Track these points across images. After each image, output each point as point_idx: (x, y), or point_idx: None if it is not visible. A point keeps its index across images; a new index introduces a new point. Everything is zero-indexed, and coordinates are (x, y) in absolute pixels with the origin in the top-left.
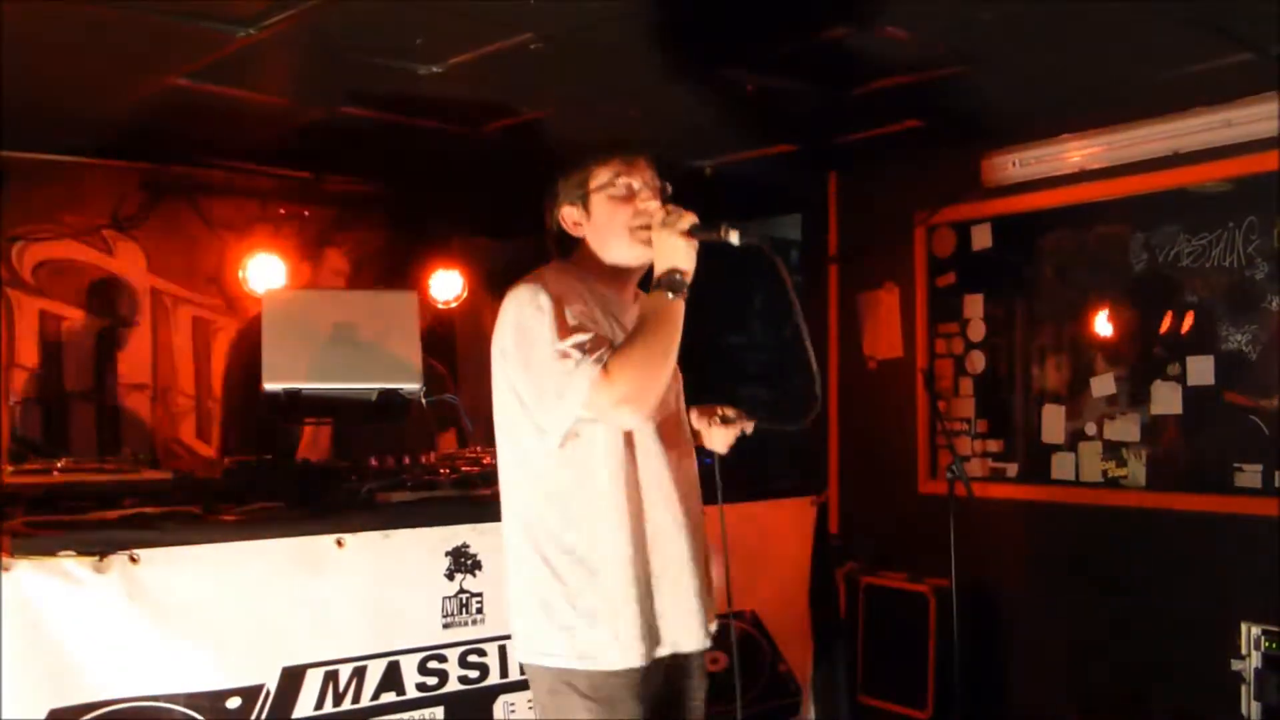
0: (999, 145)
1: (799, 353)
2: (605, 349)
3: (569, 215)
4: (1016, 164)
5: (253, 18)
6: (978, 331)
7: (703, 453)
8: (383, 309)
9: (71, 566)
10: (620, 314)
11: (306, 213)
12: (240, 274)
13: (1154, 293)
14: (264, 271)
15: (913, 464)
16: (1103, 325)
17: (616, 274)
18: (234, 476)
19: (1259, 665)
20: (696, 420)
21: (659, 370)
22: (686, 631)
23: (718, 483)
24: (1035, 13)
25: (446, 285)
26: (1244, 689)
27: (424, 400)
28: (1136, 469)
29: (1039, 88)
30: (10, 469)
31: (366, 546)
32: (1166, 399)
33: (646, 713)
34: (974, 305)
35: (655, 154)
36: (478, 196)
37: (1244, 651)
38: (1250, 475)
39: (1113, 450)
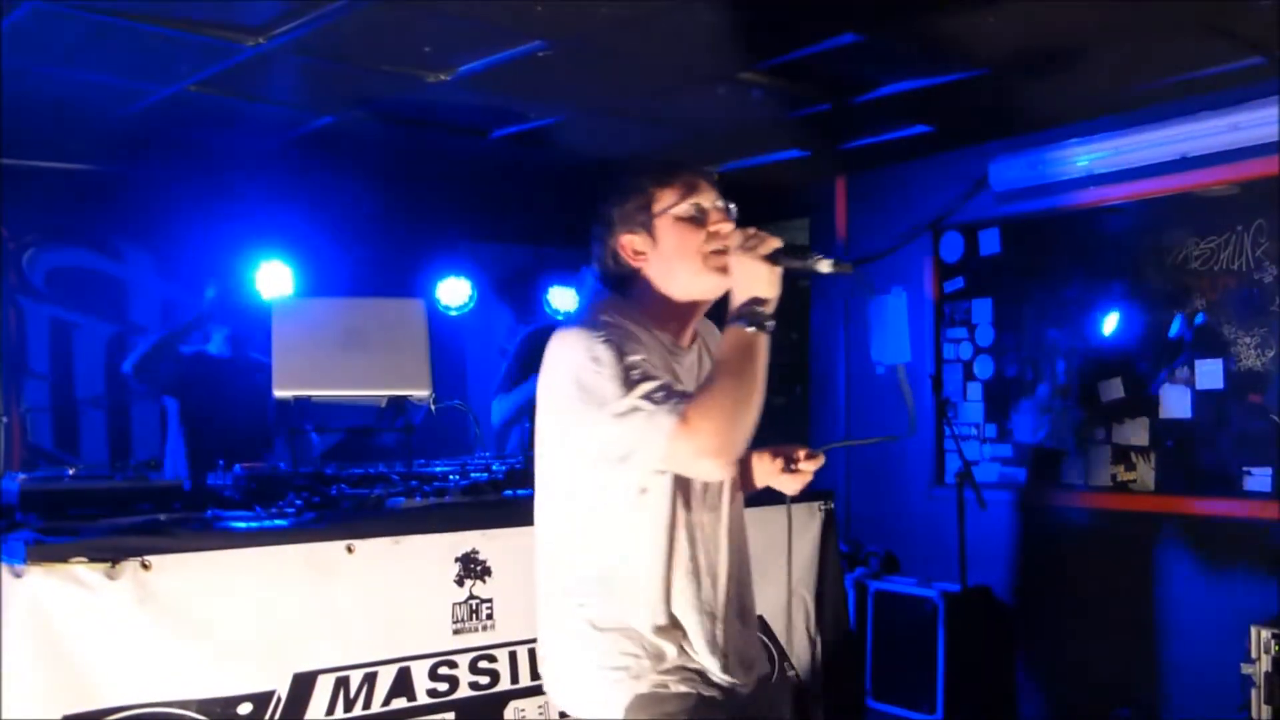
0: (1007, 150)
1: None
2: (679, 397)
3: (630, 244)
4: (1025, 168)
5: (262, 27)
6: (986, 336)
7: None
8: (391, 316)
9: (83, 573)
10: (677, 360)
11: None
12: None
13: (1162, 296)
14: (273, 278)
15: (921, 469)
16: (1111, 329)
17: (676, 313)
18: (245, 483)
19: (1269, 669)
20: (770, 462)
21: (745, 415)
22: (736, 667)
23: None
24: (1043, 17)
25: (454, 292)
26: (1254, 693)
27: (432, 406)
28: (1145, 472)
29: (1047, 93)
30: (22, 476)
31: (377, 553)
32: (1175, 403)
33: None
34: (982, 310)
35: (713, 173)
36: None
37: (1254, 655)
38: (1259, 478)
39: (1121, 454)
